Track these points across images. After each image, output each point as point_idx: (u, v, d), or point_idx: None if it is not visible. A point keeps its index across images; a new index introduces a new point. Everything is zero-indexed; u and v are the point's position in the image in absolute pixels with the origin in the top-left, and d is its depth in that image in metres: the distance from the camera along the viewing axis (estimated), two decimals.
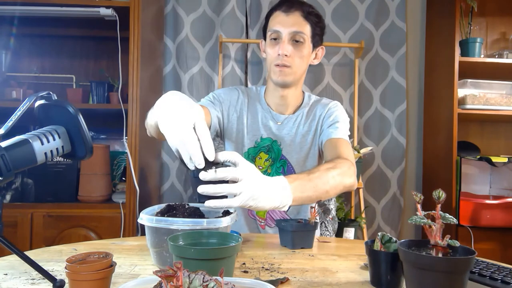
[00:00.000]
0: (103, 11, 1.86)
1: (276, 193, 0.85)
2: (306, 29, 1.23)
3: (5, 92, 1.99)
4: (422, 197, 0.67)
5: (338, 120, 1.28)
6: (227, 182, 0.79)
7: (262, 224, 1.31)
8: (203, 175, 0.77)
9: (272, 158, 1.30)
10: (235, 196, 0.80)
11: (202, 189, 0.77)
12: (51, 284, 0.64)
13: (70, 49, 2.29)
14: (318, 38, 1.28)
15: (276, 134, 1.31)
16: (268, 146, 1.30)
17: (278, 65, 1.22)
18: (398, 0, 2.45)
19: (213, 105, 1.29)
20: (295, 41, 1.21)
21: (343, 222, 2.14)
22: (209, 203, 0.78)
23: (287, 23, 1.21)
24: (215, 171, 0.77)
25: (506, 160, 2.11)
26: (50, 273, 0.65)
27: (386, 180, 2.45)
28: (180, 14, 2.36)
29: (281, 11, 1.23)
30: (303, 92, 1.39)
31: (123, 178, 2.07)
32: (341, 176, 1.03)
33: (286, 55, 1.20)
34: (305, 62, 1.26)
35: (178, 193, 2.36)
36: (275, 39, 1.23)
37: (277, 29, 1.22)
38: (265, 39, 1.30)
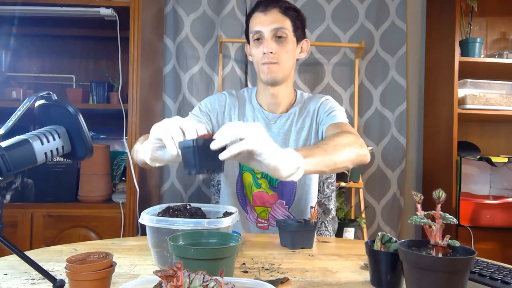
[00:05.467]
0: (103, 11, 1.85)
1: (286, 156, 0.81)
2: (287, 24, 1.24)
3: (5, 92, 1.99)
4: (422, 197, 0.67)
5: (335, 109, 1.29)
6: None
7: (265, 225, 1.31)
8: (213, 145, 0.76)
9: None
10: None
11: (223, 156, 0.75)
12: (51, 284, 0.64)
13: (70, 49, 2.29)
14: (300, 31, 1.29)
15: (269, 134, 1.29)
16: None
17: (265, 63, 1.23)
18: (398, 0, 2.45)
19: (199, 120, 1.29)
20: (278, 37, 1.23)
21: (343, 222, 2.14)
22: (222, 156, 0.76)
23: (267, 22, 1.22)
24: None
25: (506, 160, 2.11)
26: (50, 273, 0.65)
27: (386, 180, 2.45)
28: (180, 14, 2.36)
29: (259, 11, 1.24)
30: (295, 90, 1.39)
31: (123, 178, 2.07)
32: (351, 144, 1.01)
33: (271, 52, 1.21)
34: (291, 57, 1.27)
35: (178, 193, 2.36)
36: (258, 39, 1.25)
37: (258, 29, 1.23)
38: (249, 42, 1.31)
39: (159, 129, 0.82)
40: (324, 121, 1.27)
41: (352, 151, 1.00)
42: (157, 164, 0.91)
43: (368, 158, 1.08)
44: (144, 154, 0.90)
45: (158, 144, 0.84)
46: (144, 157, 0.90)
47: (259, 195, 1.31)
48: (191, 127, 0.81)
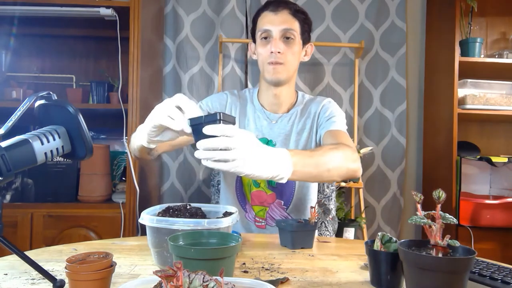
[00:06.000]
0: (103, 11, 1.85)
1: (273, 162, 0.83)
2: (295, 26, 1.25)
3: (5, 92, 1.99)
4: (422, 197, 0.67)
5: (335, 115, 1.30)
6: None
7: (263, 224, 1.32)
8: (197, 153, 0.78)
9: None
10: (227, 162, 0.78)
11: (201, 144, 0.77)
12: (51, 284, 0.64)
13: (70, 49, 2.29)
14: (307, 34, 1.30)
15: (270, 133, 1.32)
16: None
17: (271, 63, 1.24)
18: (398, 0, 2.45)
19: None
20: (286, 38, 1.24)
21: (343, 222, 2.14)
22: (209, 165, 0.78)
23: (277, 21, 1.23)
24: (210, 141, 0.76)
25: (506, 160, 2.11)
26: (50, 273, 0.65)
27: (386, 180, 2.45)
28: (180, 14, 2.36)
29: (269, 10, 1.25)
30: (296, 92, 1.40)
31: (123, 178, 2.07)
32: (344, 159, 1.03)
33: (279, 52, 1.22)
34: (297, 58, 1.28)
35: (178, 193, 2.36)
36: (265, 38, 1.25)
37: (268, 28, 1.24)
38: (254, 41, 1.32)
39: (154, 116, 0.84)
40: (323, 126, 1.28)
41: (343, 166, 1.03)
42: (152, 146, 0.95)
43: (359, 173, 1.10)
44: (140, 139, 0.94)
45: (155, 130, 0.86)
46: (141, 141, 0.94)
47: (257, 194, 1.31)
48: (190, 103, 0.82)
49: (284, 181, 0.87)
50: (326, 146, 1.07)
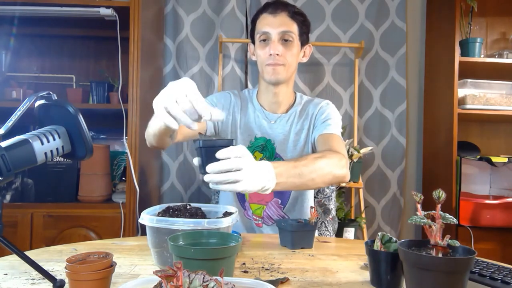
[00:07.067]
0: (103, 11, 1.85)
1: (261, 175, 0.86)
2: (294, 28, 1.27)
3: (5, 92, 1.99)
4: (422, 197, 0.67)
5: (330, 117, 1.31)
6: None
7: (259, 222, 1.33)
8: (208, 177, 0.80)
9: (266, 157, 1.32)
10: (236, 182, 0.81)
11: (212, 167, 0.79)
12: (51, 284, 0.64)
13: (70, 49, 2.29)
14: (305, 36, 1.32)
15: (269, 133, 1.34)
16: (262, 145, 1.33)
17: (270, 64, 1.26)
18: (398, 0, 2.45)
19: None
20: (284, 40, 1.25)
21: (343, 222, 2.14)
22: (214, 187, 0.81)
23: (275, 24, 1.25)
24: (221, 163, 0.79)
25: (506, 160, 2.11)
26: (50, 273, 0.65)
27: (386, 180, 2.45)
28: (180, 14, 2.36)
29: (268, 13, 1.27)
30: (295, 93, 1.42)
31: (123, 178, 2.07)
32: (330, 166, 1.05)
33: (277, 54, 1.24)
34: (295, 60, 1.30)
35: (178, 193, 2.36)
36: (264, 40, 1.27)
37: (266, 31, 1.25)
38: (253, 42, 1.34)
39: (159, 114, 0.84)
40: (318, 128, 1.29)
41: (328, 174, 1.04)
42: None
43: (346, 179, 1.11)
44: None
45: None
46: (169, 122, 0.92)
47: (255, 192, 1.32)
48: (198, 95, 0.82)
49: (268, 192, 0.90)
50: (312, 155, 1.08)
